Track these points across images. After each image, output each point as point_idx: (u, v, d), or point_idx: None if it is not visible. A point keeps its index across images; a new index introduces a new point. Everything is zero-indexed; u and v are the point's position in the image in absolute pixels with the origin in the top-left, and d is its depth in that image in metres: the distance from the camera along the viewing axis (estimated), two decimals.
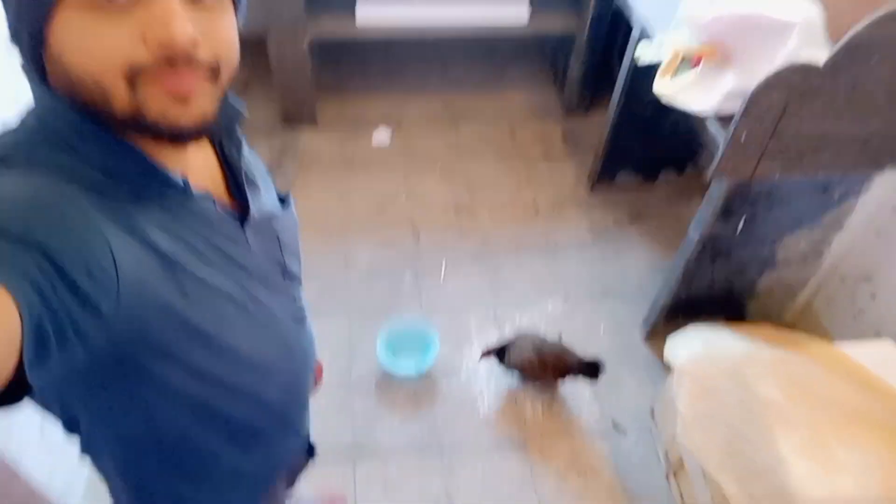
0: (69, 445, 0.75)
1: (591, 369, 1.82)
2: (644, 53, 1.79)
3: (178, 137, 0.58)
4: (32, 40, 0.53)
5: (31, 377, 0.46)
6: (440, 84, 2.86)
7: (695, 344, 1.66)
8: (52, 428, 1.34)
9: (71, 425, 0.71)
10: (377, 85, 2.82)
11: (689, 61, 1.70)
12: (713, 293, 1.92)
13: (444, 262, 2.21)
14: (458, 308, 2.09)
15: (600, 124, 2.51)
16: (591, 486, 1.73)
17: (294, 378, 0.85)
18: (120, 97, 0.54)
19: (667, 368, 1.86)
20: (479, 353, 1.87)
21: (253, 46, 2.84)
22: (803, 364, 1.56)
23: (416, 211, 2.36)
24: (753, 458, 1.42)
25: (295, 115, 2.58)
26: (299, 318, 0.85)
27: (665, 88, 1.70)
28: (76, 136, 0.57)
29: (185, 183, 0.63)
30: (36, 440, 1.29)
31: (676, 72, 1.73)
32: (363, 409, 1.84)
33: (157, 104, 0.55)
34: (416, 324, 1.97)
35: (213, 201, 0.69)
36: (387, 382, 1.90)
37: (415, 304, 2.09)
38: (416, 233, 2.29)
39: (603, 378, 1.91)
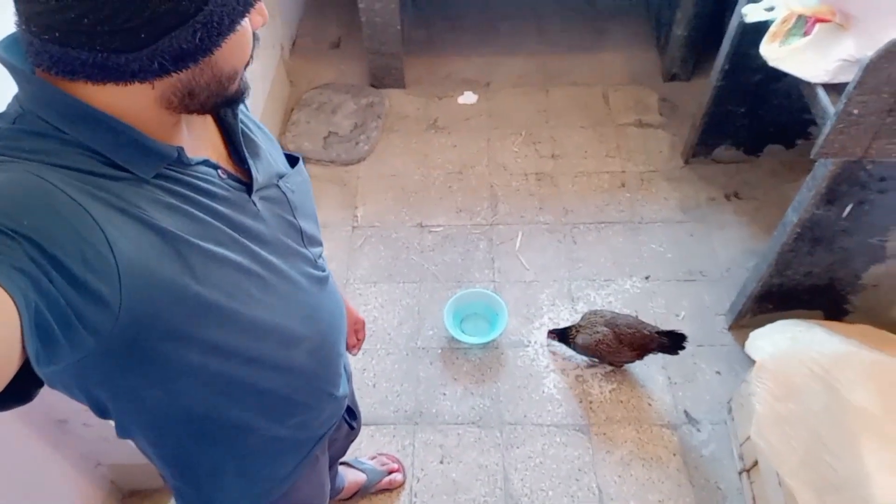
0: None
1: (674, 341, 1.70)
2: (752, 11, 1.62)
3: (241, 102, 0.68)
4: (196, 58, 0.56)
5: (40, 368, 0.46)
6: (534, 44, 2.74)
7: (781, 339, 1.52)
8: None
9: (102, 411, 0.73)
10: (468, 45, 2.74)
11: (802, 25, 1.53)
12: (810, 284, 1.75)
13: (520, 232, 2.14)
14: (530, 280, 2.03)
15: (702, 92, 2.32)
16: (656, 477, 1.65)
17: (321, 342, 0.84)
18: (239, 81, 0.64)
19: (750, 361, 1.72)
20: (546, 333, 1.81)
21: (347, 3, 2.84)
22: None
23: (495, 177, 2.30)
24: (835, 469, 1.30)
25: (383, 75, 2.56)
26: (321, 281, 0.83)
27: (773, 52, 1.53)
28: (60, 119, 0.56)
29: (180, 152, 0.62)
30: None
31: (787, 36, 1.55)
32: (427, 377, 1.84)
33: (242, 80, 0.65)
34: (486, 294, 1.93)
35: (215, 167, 0.67)
36: (452, 351, 1.89)
37: (487, 273, 2.05)
38: (493, 199, 2.23)
39: (678, 365, 1.80)
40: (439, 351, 1.89)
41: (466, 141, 2.41)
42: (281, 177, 0.76)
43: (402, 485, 1.65)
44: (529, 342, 1.90)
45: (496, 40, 2.77)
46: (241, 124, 0.73)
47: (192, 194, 0.63)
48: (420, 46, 2.73)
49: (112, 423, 0.75)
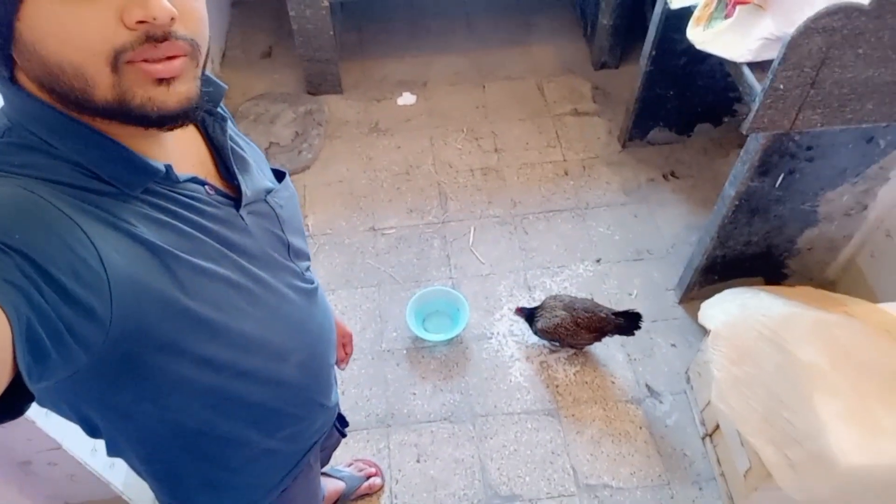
0: None
1: (629, 322, 1.76)
2: None
3: (165, 121, 0.57)
4: (1, 32, 0.51)
5: (31, 383, 0.45)
6: (465, 41, 2.78)
7: (731, 307, 1.60)
8: None
9: (92, 430, 0.72)
10: (401, 46, 2.76)
11: (723, 8, 1.61)
12: (750, 252, 1.85)
13: (472, 227, 2.17)
14: (487, 273, 2.06)
15: (632, 78, 2.41)
16: (626, 451, 1.71)
17: (311, 354, 0.84)
18: (104, 84, 0.52)
19: (702, 331, 1.81)
20: (514, 309, 1.85)
21: (275, 11, 2.81)
22: (847, 326, 1.50)
23: (443, 175, 2.32)
24: (792, 424, 1.38)
25: (319, 81, 2.54)
26: (309, 294, 0.84)
27: (699, 36, 1.61)
28: (49, 133, 0.56)
29: (168, 168, 0.62)
30: None
31: (710, 20, 1.63)
32: (395, 378, 1.85)
33: (142, 88, 0.54)
34: (445, 291, 1.95)
35: (203, 183, 0.67)
36: (418, 351, 1.90)
37: (444, 270, 2.07)
38: (443, 197, 2.26)
39: (636, 342, 1.87)
40: (405, 352, 1.90)
41: (409, 141, 2.42)
42: (269, 192, 0.76)
43: (381, 488, 1.66)
44: (492, 334, 1.93)
45: (427, 40, 2.79)
46: (230, 141, 0.72)
47: (180, 210, 0.63)
48: (353, 51, 2.72)
49: (90, 442, 0.74)
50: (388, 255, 2.12)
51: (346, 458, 1.68)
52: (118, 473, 1.49)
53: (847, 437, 1.32)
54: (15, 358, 0.43)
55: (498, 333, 1.93)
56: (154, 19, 0.50)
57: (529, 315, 1.81)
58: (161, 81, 0.54)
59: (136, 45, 0.51)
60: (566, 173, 2.32)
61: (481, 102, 2.56)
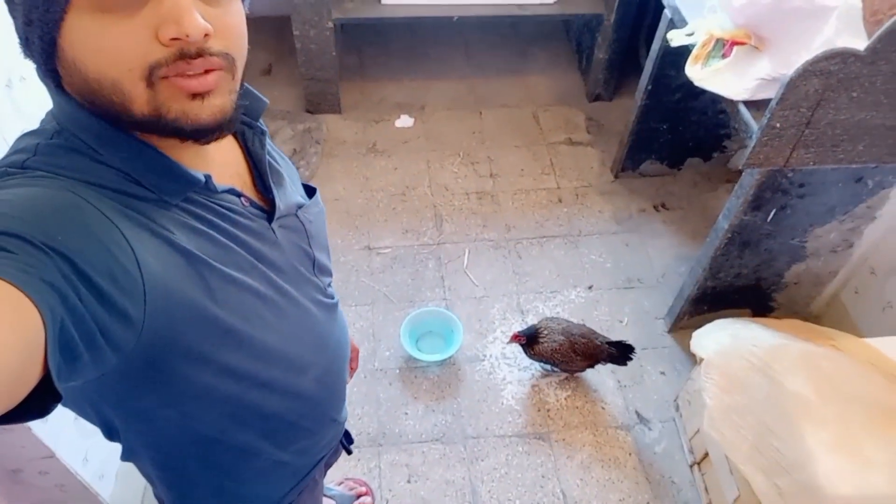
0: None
1: (622, 352, 1.79)
2: (676, 36, 1.75)
3: (200, 134, 0.58)
4: (44, 47, 0.53)
5: (60, 382, 0.45)
6: (463, 68, 2.83)
7: (722, 336, 1.64)
8: None
9: (111, 433, 0.72)
10: (400, 70, 2.80)
11: (720, 48, 1.67)
12: (740, 284, 1.90)
13: (466, 250, 2.20)
14: (481, 296, 2.08)
15: (625, 111, 2.48)
16: (615, 477, 1.72)
17: (328, 369, 0.85)
18: (140, 99, 0.54)
19: (691, 360, 1.84)
20: (509, 338, 1.84)
21: (276, 30, 2.83)
22: (833, 359, 1.54)
23: (438, 197, 2.35)
24: (782, 453, 1.41)
25: (318, 101, 2.57)
26: (330, 309, 0.85)
27: (697, 73, 1.66)
28: (95, 140, 0.57)
29: (207, 179, 0.63)
30: (71, 425, 1.31)
31: (708, 59, 1.69)
32: (387, 398, 1.85)
33: (177, 103, 0.55)
34: (439, 312, 1.96)
35: (239, 195, 0.68)
36: (410, 371, 1.91)
37: (438, 291, 2.09)
38: (438, 220, 2.28)
39: (627, 369, 1.90)
40: (397, 371, 1.90)
41: (406, 163, 2.45)
42: (300, 207, 0.77)
43: None
44: (485, 356, 1.94)
45: (426, 65, 2.84)
46: (268, 156, 0.74)
47: (216, 220, 0.64)
48: (353, 72, 2.76)
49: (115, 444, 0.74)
50: (383, 274, 2.13)
51: (336, 477, 1.67)
52: (106, 485, 1.47)
53: (834, 468, 1.35)
54: (46, 357, 0.44)
55: (490, 356, 1.95)
56: (187, 37, 0.51)
57: (531, 337, 1.80)
58: (195, 96, 0.55)
59: (169, 61, 0.53)
60: (560, 201, 2.36)
61: (478, 128, 2.60)
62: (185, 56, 0.53)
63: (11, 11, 0.54)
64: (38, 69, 0.57)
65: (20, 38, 0.55)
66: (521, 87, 2.78)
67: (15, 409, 0.43)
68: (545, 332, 1.77)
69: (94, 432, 1.18)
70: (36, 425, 1.19)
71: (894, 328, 1.74)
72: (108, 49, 0.52)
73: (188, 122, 0.56)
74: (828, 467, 1.35)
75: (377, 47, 2.87)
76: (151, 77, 0.53)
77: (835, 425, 1.41)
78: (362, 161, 2.45)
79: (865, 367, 1.53)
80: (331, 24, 2.33)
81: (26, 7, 0.51)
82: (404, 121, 2.59)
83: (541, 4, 2.46)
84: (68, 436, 1.30)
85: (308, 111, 2.59)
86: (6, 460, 1.27)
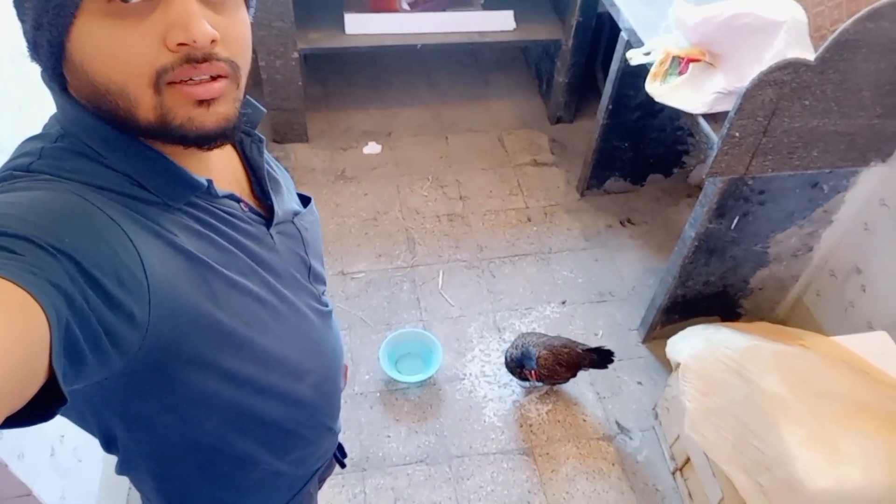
0: (81, 468, 0.74)
1: (602, 357, 1.83)
2: (634, 55, 1.83)
3: (204, 141, 0.59)
4: (52, 51, 0.54)
5: (65, 385, 0.45)
6: (427, 96, 2.88)
7: (696, 341, 1.68)
8: (64, 451, 1.32)
9: (109, 443, 0.71)
10: (365, 98, 2.83)
11: (676, 66, 1.74)
12: (708, 292, 1.95)
13: (441, 271, 2.21)
14: (457, 315, 2.10)
15: (586, 131, 2.55)
16: (600, 488, 1.73)
17: (325, 376, 0.85)
18: (146, 104, 0.54)
19: (667, 369, 1.88)
20: (505, 368, 1.84)
21: None
22: (804, 357, 1.59)
23: (409, 221, 2.37)
24: (762, 451, 1.44)
25: (285, 130, 2.58)
26: (325, 316, 0.85)
27: (657, 90, 1.73)
28: (100, 144, 0.58)
29: (210, 183, 0.64)
30: (47, 462, 1.27)
31: (665, 77, 1.76)
32: (369, 421, 1.83)
33: (183, 109, 0.55)
34: (417, 333, 1.97)
35: (239, 200, 0.69)
36: (391, 393, 1.90)
37: (414, 313, 2.09)
38: (411, 243, 2.30)
39: (604, 380, 1.92)
40: (377, 394, 1.89)
41: (376, 189, 2.47)
42: (296, 214, 0.78)
43: None
44: (465, 375, 1.95)
45: (390, 94, 2.88)
46: (265, 163, 0.75)
47: (217, 224, 0.65)
48: (318, 102, 2.78)
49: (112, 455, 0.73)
50: (359, 298, 2.12)
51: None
52: None
53: (812, 463, 1.39)
54: (51, 360, 0.43)
55: (470, 374, 1.95)
56: (194, 42, 0.52)
57: (519, 363, 1.80)
58: (201, 103, 0.56)
59: (175, 65, 0.53)
60: (529, 220, 2.40)
61: (445, 153, 2.64)
62: (191, 60, 0.54)
63: (20, 15, 0.54)
64: (44, 73, 0.57)
65: (28, 41, 0.55)
66: (484, 113, 2.84)
67: (20, 412, 0.43)
68: (528, 349, 1.77)
69: (71, 470, 1.15)
70: (13, 462, 1.15)
71: (857, 327, 1.81)
72: (116, 54, 0.52)
73: (193, 129, 0.57)
74: (806, 462, 1.38)
75: (342, 77, 2.90)
76: (158, 83, 0.54)
77: (810, 421, 1.45)
78: (332, 188, 2.46)
79: (835, 363, 1.58)
80: (296, 55, 2.36)
81: (36, 11, 0.52)
82: (372, 147, 2.62)
83: (501, 31, 2.53)
84: (46, 473, 1.26)
85: (275, 141, 2.60)
86: None
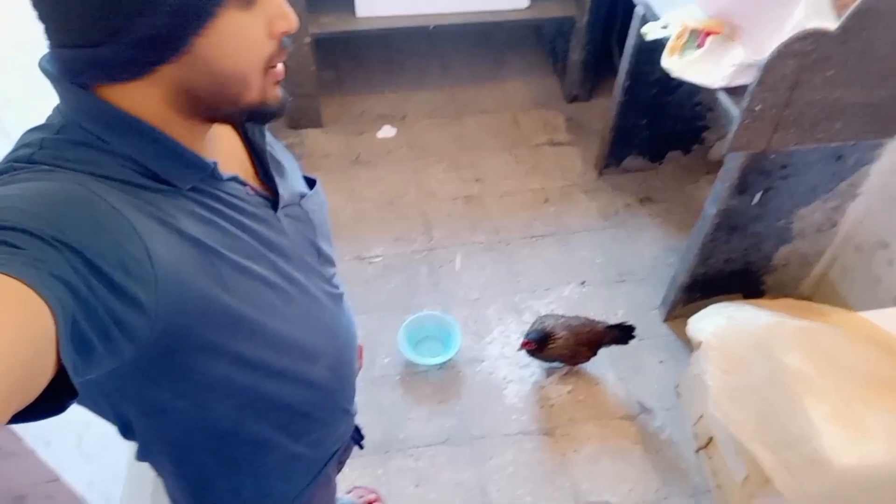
0: (108, 454, 0.75)
1: (624, 332, 1.81)
2: (651, 30, 1.79)
3: (274, 117, 0.65)
4: (174, 46, 0.54)
5: (76, 378, 0.45)
6: (441, 78, 2.86)
7: (718, 319, 1.66)
8: (90, 437, 1.34)
9: (126, 430, 0.72)
10: (378, 82, 2.82)
11: (694, 40, 1.71)
12: (730, 270, 1.93)
13: (458, 254, 2.21)
14: (475, 298, 2.09)
15: (602, 109, 2.52)
16: (623, 468, 1.73)
17: (339, 357, 0.85)
18: (256, 88, 0.60)
19: (688, 347, 1.86)
20: (519, 345, 1.82)
21: None
22: (828, 333, 1.57)
23: (426, 205, 2.36)
24: (786, 428, 1.43)
25: (299, 116, 2.58)
26: (337, 299, 0.85)
27: (674, 65, 1.70)
28: (107, 131, 0.58)
29: (215, 165, 0.64)
30: (74, 448, 1.29)
31: (683, 50, 1.73)
32: (390, 404, 1.84)
33: (272, 89, 0.62)
34: (436, 316, 1.97)
35: (243, 183, 0.69)
36: (411, 376, 1.90)
37: (432, 297, 2.09)
38: (427, 226, 2.29)
39: (625, 359, 1.92)
40: (398, 377, 1.90)
41: (392, 173, 2.46)
42: (302, 196, 0.78)
43: None
44: (485, 357, 1.95)
45: (403, 76, 2.86)
46: (268, 146, 0.75)
47: (223, 208, 0.65)
48: (332, 87, 2.77)
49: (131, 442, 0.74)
50: (377, 283, 2.13)
51: (344, 486, 1.66)
52: None
53: (837, 439, 1.37)
54: (58, 353, 0.43)
55: (490, 356, 1.95)
56: (292, 30, 0.60)
57: (540, 343, 1.77)
58: (278, 82, 0.63)
59: (277, 51, 0.60)
60: (546, 200, 2.39)
61: (459, 135, 2.62)
62: (283, 46, 0.60)
63: (148, 7, 0.52)
64: (73, 65, 0.56)
65: (153, 36, 0.53)
66: (498, 93, 2.81)
67: (31, 406, 0.43)
68: (551, 332, 1.76)
69: (98, 455, 1.16)
70: (40, 448, 1.17)
71: (883, 302, 1.78)
72: (246, 44, 0.57)
73: (277, 106, 0.63)
74: (831, 439, 1.37)
75: (354, 61, 2.89)
76: (266, 68, 0.60)
77: (835, 398, 1.43)
78: (347, 173, 2.46)
79: (860, 339, 1.56)
80: (308, 40, 2.35)
81: (180, 4, 0.52)
82: (386, 131, 2.61)
83: (514, 10, 2.50)
84: (73, 459, 1.28)
85: (290, 126, 2.60)
86: (11, 486, 1.24)
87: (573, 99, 2.76)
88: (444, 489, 1.68)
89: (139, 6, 0.52)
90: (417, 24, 2.44)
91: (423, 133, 2.62)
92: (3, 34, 1.21)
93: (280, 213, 0.73)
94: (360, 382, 1.87)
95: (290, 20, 0.59)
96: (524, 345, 1.79)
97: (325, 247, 0.83)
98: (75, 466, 1.29)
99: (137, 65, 0.55)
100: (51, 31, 0.55)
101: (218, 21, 0.54)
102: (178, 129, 0.61)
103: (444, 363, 1.90)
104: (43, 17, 0.54)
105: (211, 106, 0.60)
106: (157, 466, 0.80)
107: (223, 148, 0.71)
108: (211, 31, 0.54)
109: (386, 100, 2.75)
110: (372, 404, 1.83)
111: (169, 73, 0.56)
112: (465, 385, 1.89)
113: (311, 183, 0.85)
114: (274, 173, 0.74)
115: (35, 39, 0.59)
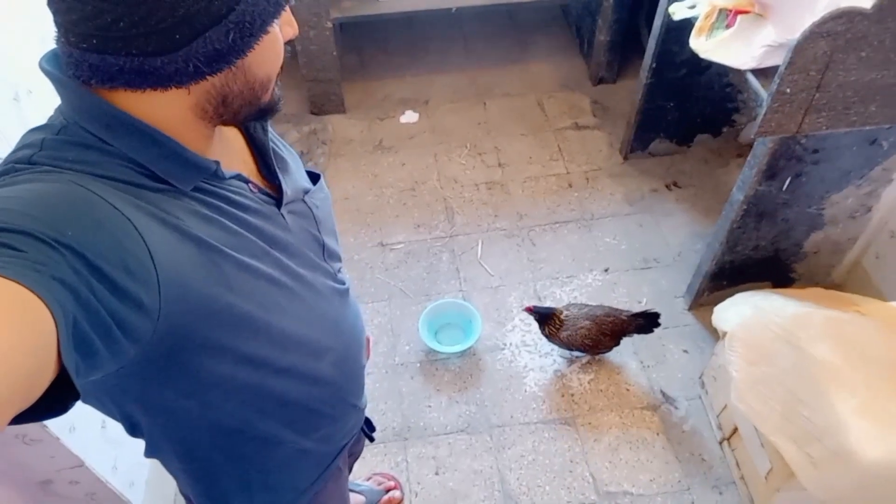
0: (131, 440, 0.76)
1: (648, 321, 1.79)
2: (678, 9, 1.74)
3: (273, 114, 0.68)
4: (230, 59, 0.57)
5: (79, 379, 0.45)
6: (464, 61, 2.82)
7: (744, 309, 1.62)
8: (113, 423, 1.37)
9: (133, 429, 0.72)
10: (401, 66, 2.80)
11: (723, 19, 1.65)
12: (758, 257, 1.88)
13: (480, 241, 2.19)
14: (497, 285, 2.08)
15: (629, 92, 2.46)
16: (644, 458, 1.71)
17: (345, 353, 0.85)
18: (272, 90, 0.65)
19: (714, 336, 1.82)
20: (525, 308, 1.83)
21: None
22: (858, 324, 1.52)
23: (448, 190, 2.34)
24: (812, 421, 1.39)
25: (322, 102, 2.57)
26: (342, 294, 0.85)
27: (702, 45, 1.65)
28: (109, 132, 0.57)
29: (217, 165, 0.64)
30: (98, 434, 1.32)
31: (712, 31, 1.68)
32: (410, 391, 1.84)
33: (277, 89, 0.67)
34: (457, 303, 1.96)
35: (247, 181, 0.68)
36: (431, 363, 1.90)
37: (454, 283, 2.08)
38: (449, 212, 2.28)
39: (648, 349, 1.88)
40: (418, 364, 1.90)
41: (414, 158, 2.45)
42: (306, 192, 0.77)
43: (401, 501, 1.64)
44: (505, 345, 1.94)
45: (426, 60, 2.83)
46: (270, 142, 0.74)
47: (226, 207, 0.64)
48: (354, 71, 2.76)
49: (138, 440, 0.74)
50: (398, 269, 2.12)
51: (364, 472, 1.67)
52: (137, 493, 1.47)
53: (865, 433, 1.33)
54: (60, 355, 0.43)
55: (511, 344, 1.94)
56: (294, 36, 0.65)
57: (542, 316, 1.79)
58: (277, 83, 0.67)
59: (285, 56, 0.65)
60: (570, 185, 2.35)
61: (483, 119, 2.59)
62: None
63: (216, 22, 0.55)
64: (77, 66, 0.55)
65: (211, 50, 0.56)
66: (523, 76, 2.76)
67: (34, 407, 0.43)
68: (570, 321, 1.74)
69: (122, 441, 1.18)
70: (64, 435, 1.20)
71: None
72: (279, 52, 0.63)
73: (276, 103, 0.67)
74: (858, 432, 1.33)
75: (377, 45, 2.87)
76: (279, 71, 0.65)
77: (863, 390, 1.39)
78: (370, 159, 2.45)
79: (891, 331, 1.50)
80: (330, 24, 2.33)
81: (248, 15, 0.56)
82: (409, 116, 2.59)
83: None
84: (97, 444, 1.31)
85: (313, 112, 2.59)
86: (36, 471, 1.27)
87: (599, 81, 2.71)
88: (463, 477, 1.69)
89: (205, 23, 0.54)
90: (440, 6, 2.41)
91: (445, 117, 2.60)
92: (27, 26, 1.23)
93: (284, 209, 0.72)
94: (381, 370, 1.90)
95: (295, 28, 0.64)
96: (527, 309, 1.80)
97: (329, 242, 0.82)
98: (99, 452, 1.32)
99: (187, 76, 0.56)
100: (84, 36, 0.53)
101: (266, 35, 0.59)
102: (190, 131, 0.61)
103: (465, 351, 1.89)
104: (87, 21, 0.52)
105: (235, 110, 0.62)
106: (164, 463, 0.81)
107: (226, 146, 0.70)
108: (259, 44, 0.58)
109: (408, 84, 2.73)
110: (392, 391, 1.84)
111: (210, 82, 0.58)
112: (486, 373, 1.88)
113: (314, 178, 0.84)
114: (277, 170, 0.73)
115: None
